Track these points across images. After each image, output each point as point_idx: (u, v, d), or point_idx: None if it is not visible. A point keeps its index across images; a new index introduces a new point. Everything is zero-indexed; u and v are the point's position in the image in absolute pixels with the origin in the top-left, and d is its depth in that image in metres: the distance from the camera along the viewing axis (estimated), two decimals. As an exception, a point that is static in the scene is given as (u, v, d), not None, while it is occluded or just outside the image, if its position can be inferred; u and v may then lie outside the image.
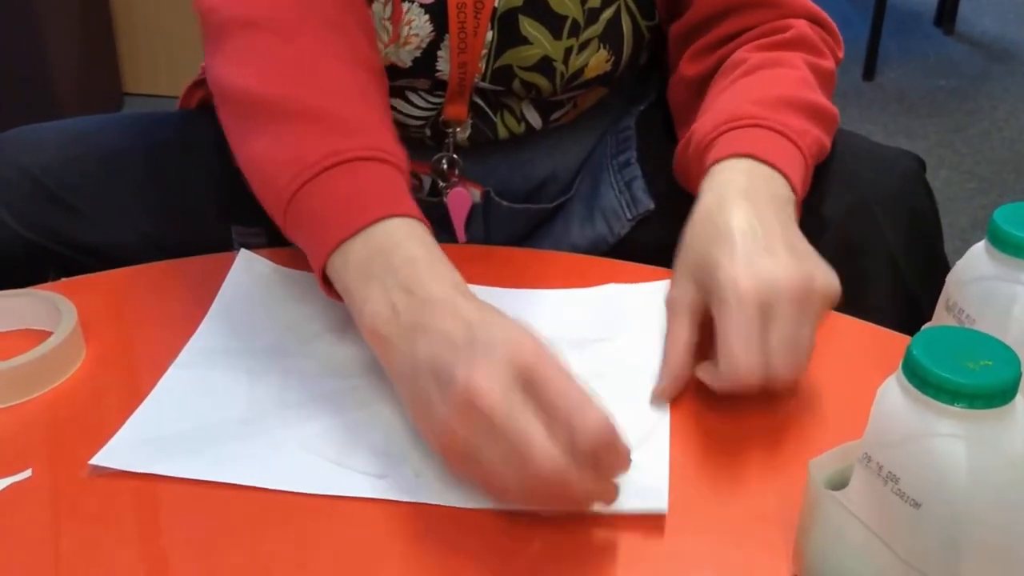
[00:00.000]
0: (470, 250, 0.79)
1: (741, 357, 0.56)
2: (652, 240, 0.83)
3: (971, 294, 0.55)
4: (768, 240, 0.60)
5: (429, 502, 0.54)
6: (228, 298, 0.72)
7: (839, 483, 0.47)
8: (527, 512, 0.53)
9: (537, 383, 0.48)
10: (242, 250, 0.76)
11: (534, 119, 0.85)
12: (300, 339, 0.68)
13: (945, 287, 0.58)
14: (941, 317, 0.58)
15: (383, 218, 0.58)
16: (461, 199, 0.86)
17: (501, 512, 0.54)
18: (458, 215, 0.87)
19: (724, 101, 0.72)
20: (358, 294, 0.57)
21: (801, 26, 0.78)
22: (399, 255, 0.57)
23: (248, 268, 0.75)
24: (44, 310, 0.69)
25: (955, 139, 2.36)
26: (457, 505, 0.54)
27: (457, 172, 0.85)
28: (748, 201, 0.63)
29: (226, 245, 0.79)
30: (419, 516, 0.54)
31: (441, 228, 0.88)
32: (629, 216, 0.84)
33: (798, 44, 0.77)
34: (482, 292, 0.72)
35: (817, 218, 0.75)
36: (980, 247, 0.55)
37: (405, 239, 0.58)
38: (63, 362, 0.65)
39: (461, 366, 0.49)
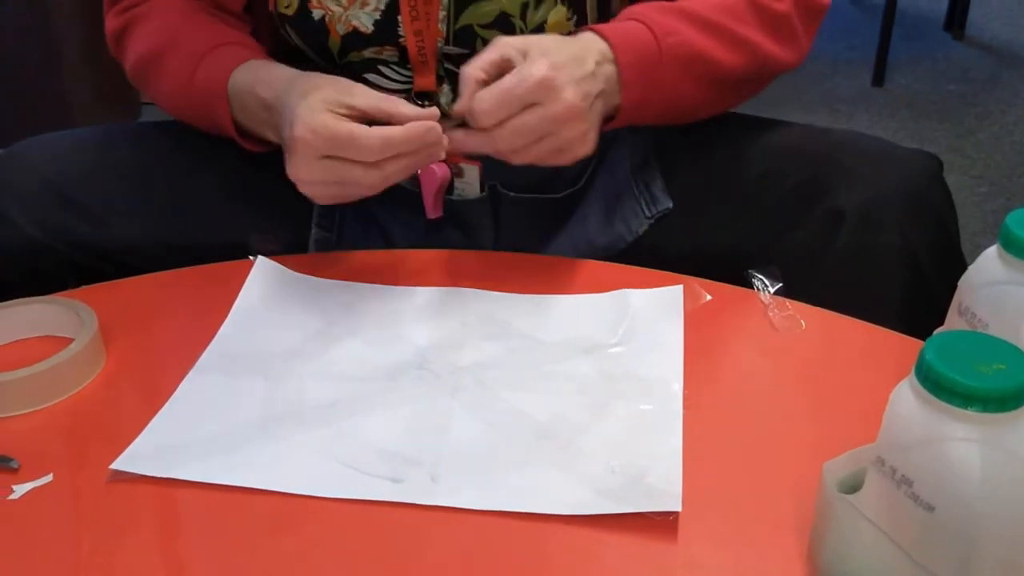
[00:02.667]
0: (486, 257, 0.79)
1: (487, 90, 0.69)
2: (671, 239, 0.84)
3: (983, 298, 0.55)
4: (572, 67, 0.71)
5: (445, 505, 0.55)
6: (246, 305, 0.73)
7: (853, 486, 0.47)
8: (541, 515, 0.54)
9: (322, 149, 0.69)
10: (260, 257, 0.77)
11: None
12: (316, 345, 0.69)
13: (957, 291, 0.58)
14: (954, 321, 0.58)
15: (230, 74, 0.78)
16: (430, 175, 0.87)
17: (516, 514, 0.54)
18: (427, 189, 0.87)
19: (634, 6, 0.79)
20: (258, 129, 0.79)
21: None
22: (255, 91, 0.77)
23: (265, 275, 0.76)
24: (65, 317, 0.70)
25: (965, 144, 2.36)
26: (472, 507, 0.55)
27: None
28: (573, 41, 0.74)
29: (242, 252, 0.80)
30: (435, 519, 0.54)
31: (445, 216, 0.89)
32: (648, 215, 0.85)
33: None
34: (498, 297, 0.73)
35: (835, 215, 0.75)
36: (992, 252, 0.56)
37: (248, 78, 0.78)
38: (84, 368, 0.66)
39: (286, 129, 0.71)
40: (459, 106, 0.71)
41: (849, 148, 0.79)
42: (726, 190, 0.83)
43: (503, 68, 0.70)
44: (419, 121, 0.69)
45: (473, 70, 0.71)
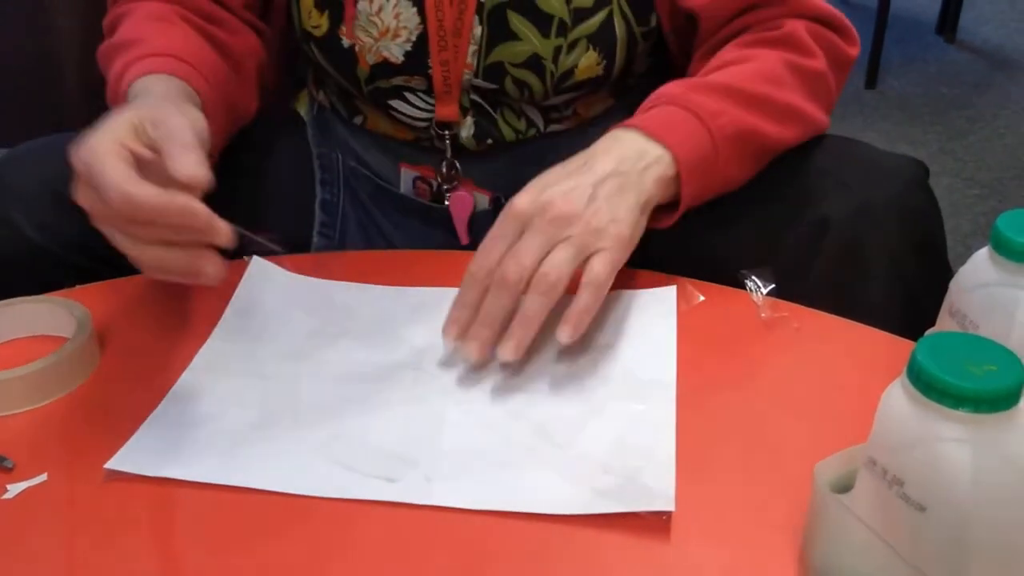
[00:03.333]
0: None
1: (478, 254, 0.65)
2: (661, 239, 0.84)
3: (974, 300, 0.56)
4: (574, 172, 0.67)
5: (439, 505, 0.55)
6: (241, 304, 0.73)
7: (844, 487, 0.48)
8: (536, 515, 0.54)
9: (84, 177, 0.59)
10: (255, 257, 0.77)
11: (536, 117, 0.86)
12: (312, 345, 0.69)
13: (948, 293, 0.58)
14: (945, 323, 0.59)
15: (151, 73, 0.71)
16: (463, 202, 0.87)
17: (510, 514, 0.54)
18: (460, 217, 0.88)
19: (668, 84, 0.74)
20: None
21: (794, 26, 0.79)
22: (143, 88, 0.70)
23: (261, 275, 0.76)
24: (60, 316, 0.70)
25: (957, 146, 2.37)
26: (467, 507, 0.55)
27: (456, 174, 0.87)
28: (589, 153, 0.69)
29: (238, 251, 0.80)
30: (430, 519, 0.54)
31: (448, 231, 0.89)
32: None
33: (782, 43, 0.78)
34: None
35: (821, 223, 0.76)
36: (983, 253, 0.56)
37: (148, 85, 0.71)
38: (78, 368, 0.66)
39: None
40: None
41: (837, 155, 0.80)
42: (715, 195, 0.83)
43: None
44: (181, 195, 0.55)
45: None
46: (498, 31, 0.80)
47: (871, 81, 2.66)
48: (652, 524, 0.53)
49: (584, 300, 0.63)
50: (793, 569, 0.51)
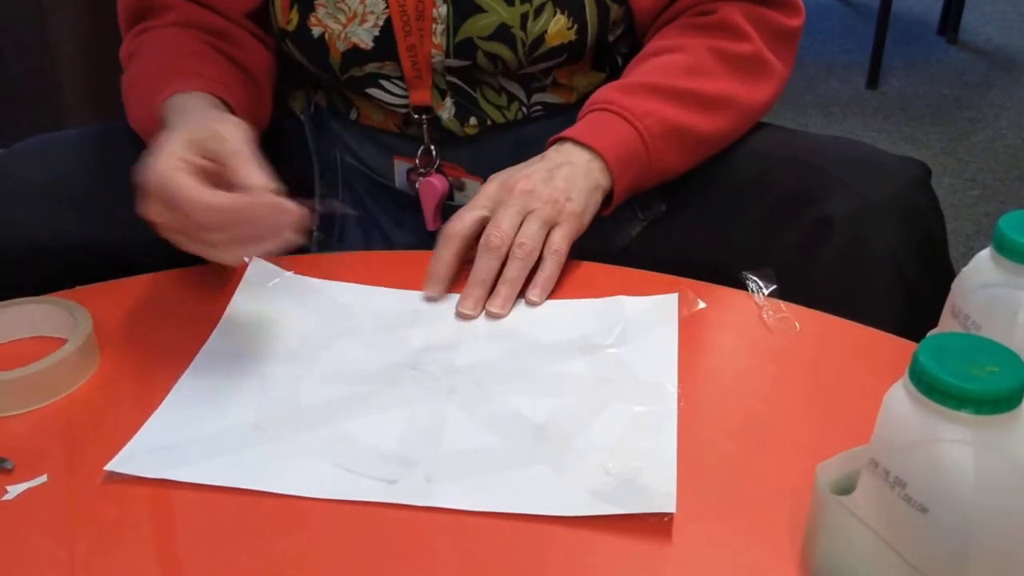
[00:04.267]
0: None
1: (453, 220, 0.74)
2: (664, 241, 0.84)
3: (977, 301, 0.56)
4: (531, 163, 0.78)
5: (439, 506, 0.55)
6: (241, 305, 0.73)
7: (846, 488, 0.48)
8: (537, 516, 0.54)
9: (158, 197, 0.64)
10: (255, 258, 0.76)
11: (516, 90, 0.87)
12: (312, 345, 0.69)
13: (951, 294, 0.58)
14: (947, 324, 0.58)
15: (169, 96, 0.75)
16: (431, 188, 0.88)
17: (510, 515, 0.54)
18: (427, 203, 0.88)
19: (602, 88, 0.82)
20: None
21: (728, 10, 0.82)
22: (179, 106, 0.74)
23: (260, 275, 0.76)
24: (59, 317, 0.69)
25: (958, 147, 2.37)
26: (467, 509, 0.55)
27: (433, 159, 0.88)
28: (541, 156, 0.79)
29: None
30: (430, 520, 0.54)
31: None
32: (641, 217, 0.85)
33: (713, 28, 0.82)
34: (491, 300, 0.73)
35: (823, 224, 0.76)
36: (985, 254, 0.56)
37: (191, 100, 0.75)
38: (78, 369, 0.66)
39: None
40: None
41: (839, 156, 0.80)
42: (718, 194, 0.83)
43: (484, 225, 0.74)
44: (251, 196, 0.61)
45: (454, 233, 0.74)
46: (463, 6, 0.80)
47: (872, 82, 2.66)
48: (653, 525, 0.53)
49: (549, 268, 0.73)
50: (794, 571, 0.51)
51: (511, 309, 0.72)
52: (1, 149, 0.86)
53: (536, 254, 0.73)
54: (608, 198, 0.79)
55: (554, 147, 0.79)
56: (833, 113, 2.53)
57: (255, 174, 0.62)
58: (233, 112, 0.77)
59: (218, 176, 0.64)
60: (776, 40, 0.84)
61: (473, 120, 0.87)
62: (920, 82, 2.71)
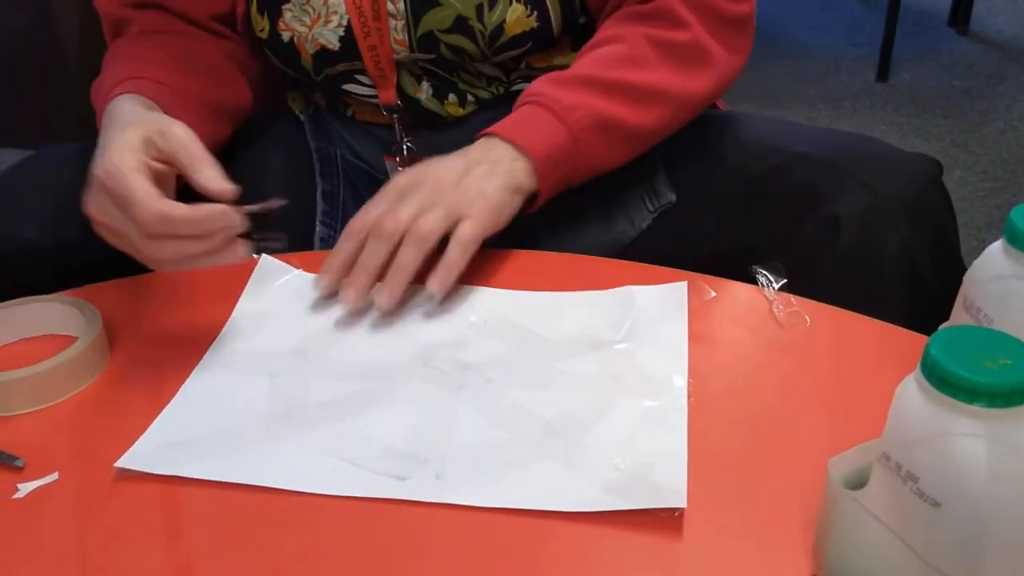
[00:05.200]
0: (489, 252, 0.79)
1: (358, 214, 0.71)
2: (673, 231, 0.84)
3: (989, 293, 0.55)
4: (450, 158, 0.75)
5: (450, 502, 0.55)
6: (249, 303, 0.73)
7: (858, 482, 0.47)
8: (547, 512, 0.54)
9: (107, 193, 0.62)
10: (263, 256, 0.77)
11: (494, 72, 0.86)
12: (321, 343, 0.69)
13: (963, 286, 0.58)
14: (959, 316, 0.58)
15: (114, 98, 0.74)
16: None
17: (521, 512, 0.54)
18: None
19: (537, 79, 0.80)
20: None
21: None
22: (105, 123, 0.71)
23: (269, 273, 0.76)
24: (69, 316, 0.70)
25: (970, 139, 2.35)
26: (478, 505, 0.55)
27: (412, 155, 0.89)
28: (463, 151, 0.76)
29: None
30: (440, 517, 0.54)
31: None
32: (651, 209, 0.85)
33: (650, 17, 0.80)
34: (502, 294, 0.73)
35: (834, 220, 0.75)
36: (997, 246, 0.55)
37: (124, 102, 0.73)
38: (88, 367, 0.66)
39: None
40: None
41: (850, 152, 0.79)
42: (729, 188, 0.83)
43: None
44: (207, 205, 0.61)
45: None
46: (420, 1, 0.80)
47: (883, 74, 2.65)
48: (664, 521, 0.53)
49: (451, 256, 0.69)
50: (806, 566, 0.50)
51: (395, 302, 0.68)
52: (14, 151, 0.87)
53: (432, 240, 0.69)
54: (533, 197, 0.76)
55: (480, 142, 0.76)
56: (843, 106, 2.52)
57: (212, 179, 0.62)
58: (165, 108, 0.75)
59: (164, 178, 0.64)
60: (721, 27, 0.81)
61: (452, 97, 0.87)
62: (931, 74, 2.70)
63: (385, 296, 0.68)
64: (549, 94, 0.76)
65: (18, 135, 2.19)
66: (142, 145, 0.63)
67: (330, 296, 0.73)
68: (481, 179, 0.72)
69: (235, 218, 0.62)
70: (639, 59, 0.78)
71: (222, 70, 0.87)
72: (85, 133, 0.81)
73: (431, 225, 0.69)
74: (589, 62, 0.79)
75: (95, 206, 0.63)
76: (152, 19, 0.86)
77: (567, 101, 0.76)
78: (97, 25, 0.90)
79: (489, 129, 0.76)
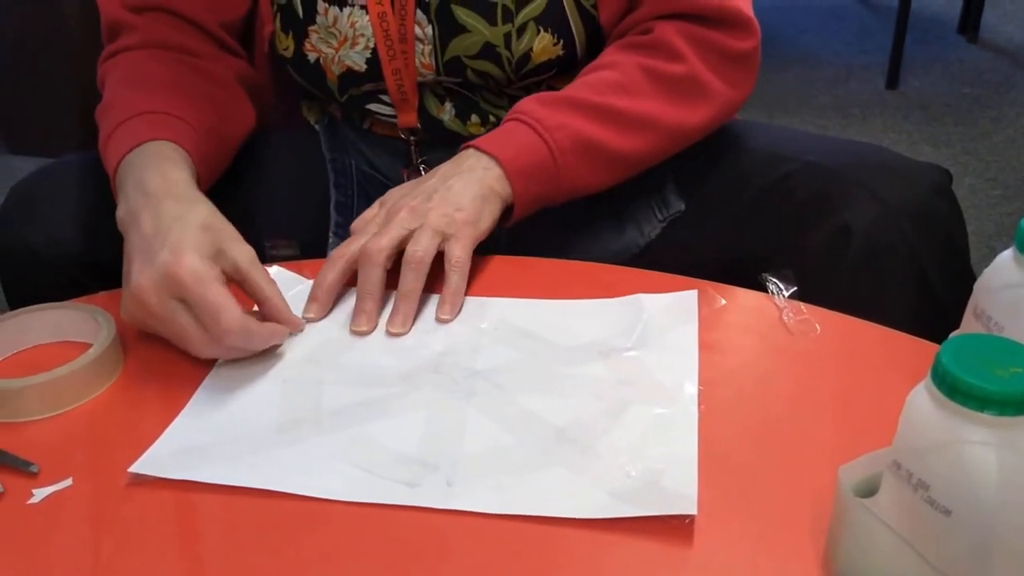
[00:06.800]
0: (499, 260, 0.80)
1: (339, 247, 0.73)
2: (682, 241, 0.84)
3: (999, 301, 0.55)
4: (418, 183, 0.76)
5: (460, 509, 0.55)
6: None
7: (868, 490, 0.47)
8: (558, 519, 0.54)
9: (183, 292, 0.64)
10: (276, 266, 0.77)
11: (516, 92, 0.87)
12: (332, 350, 0.69)
13: (973, 294, 0.58)
14: (969, 324, 0.58)
15: (139, 144, 0.73)
16: None
17: (531, 518, 0.54)
18: None
19: (524, 99, 0.80)
20: (118, 194, 0.71)
21: (664, 30, 0.80)
22: (140, 164, 0.72)
23: (282, 283, 0.76)
24: (83, 322, 0.70)
25: (980, 147, 2.35)
26: (488, 511, 0.55)
27: (422, 174, 0.88)
28: (434, 171, 0.77)
29: (259, 257, 0.80)
30: (450, 523, 0.54)
31: None
32: (660, 218, 0.85)
33: (646, 48, 0.80)
34: (513, 302, 0.74)
35: (843, 229, 0.75)
36: (1008, 255, 0.55)
37: (151, 153, 0.73)
38: (102, 373, 0.67)
39: (136, 266, 0.65)
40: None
41: (860, 162, 0.79)
42: (738, 197, 0.83)
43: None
44: (275, 326, 0.67)
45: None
46: (448, 27, 0.81)
47: (892, 82, 2.64)
48: (674, 528, 0.53)
49: (454, 281, 0.72)
50: (816, 574, 0.50)
51: (411, 326, 0.70)
52: (29, 157, 0.88)
53: (428, 262, 0.71)
54: (510, 210, 0.77)
55: (455, 157, 0.77)
56: (852, 114, 2.51)
57: (291, 321, 0.68)
58: (192, 153, 0.75)
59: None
60: (723, 63, 0.81)
61: (475, 118, 0.87)
62: (940, 82, 2.69)
63: (399, 322, 0.70)
64: (533, 113, 0.77)
65: (25, 136, 2.21)
66: (215, 255, 0.66)
67: (334, 310, 0.73)
68: (454, 193, 0.73)
69: (286, 336, 0.68)
70: (630, 86, 0.79)
71: (231, 96, 0.87)
72: (88, 134, 0.81)
73: (423, 251, 0.71)
74: (580, 85, 0.79)
75: (153, 295, 0.64)
76: (157, 28, 0.85)
77: (550, 121, 0.76)
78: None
79: (467, 143, 0.77)
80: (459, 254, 0.72)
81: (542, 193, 0.77)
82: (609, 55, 0.81)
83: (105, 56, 0.87)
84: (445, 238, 0.72)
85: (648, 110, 0.78)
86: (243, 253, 0.67)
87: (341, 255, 0.73)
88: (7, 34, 2.15)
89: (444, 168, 0.76)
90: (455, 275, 0.72)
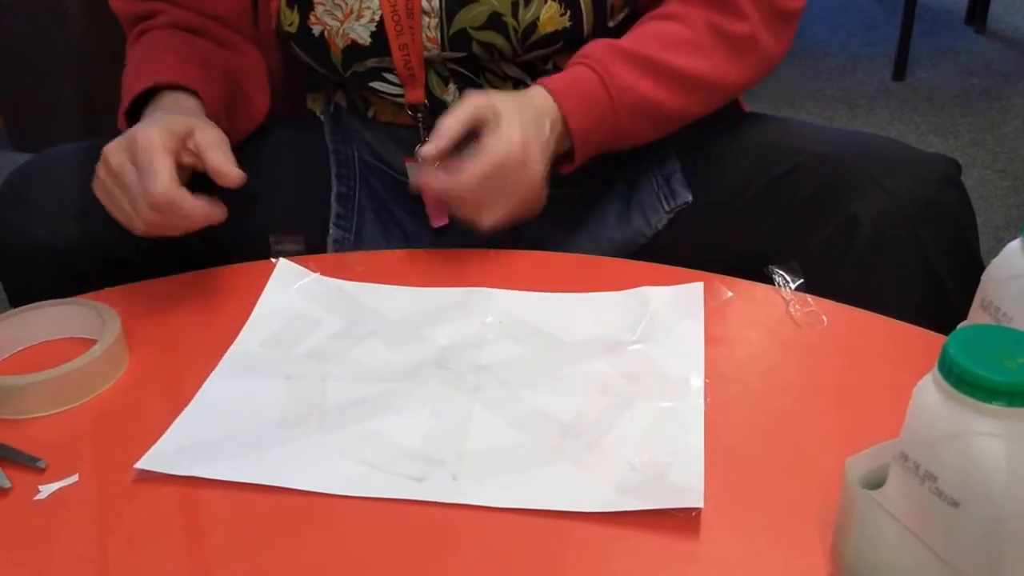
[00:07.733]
0: (505, 255, 0.80)
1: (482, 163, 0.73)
2: (689, 232, 0.84)
3: (1007, 292, 0.55)
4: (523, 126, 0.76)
5: (466, 503, 0.55)
6: (267, 306, 0.73)
7: (875, 482, 0.47)
8: (564, 513, 0.54)
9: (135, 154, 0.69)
10: (281, 259, 0.77)
11: (517, 74, 0.87)
12: (338, 345, 0.69)
13: (981, 285, 0.58)
14: (977, 315, 0.58)
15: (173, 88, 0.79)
16: None
17: (537, 512, 0.54)
18: (428, 197, 0.87)
19: (598, 43, 0.81)
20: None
21: None
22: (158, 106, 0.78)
23: (287, 276, 0.76)
24: (89, 319, 0.70)
25: (988, 137, 2.33)
26: (494, 505, 0.55)
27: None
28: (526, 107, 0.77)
29: (263, 253, 0.80)
30: (456, 517, 0.54)
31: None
32: (667, 209, 0.85)
33: (713, 2, 0.81)
34: (518, 296, 0.74)
35: (851, 220, 0.75)
36: (1016, 245, 0.55)
37: (186, 97, 0.79)
38: (108, 369, 0.67)
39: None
40: (426, 150, 0.74)
41: (868, 153, 0.79)
42: (745, 188, 0.83)
43: (477, 123, 0.74)
44: (205, 204, 0.69)
45: (449, 126, 0.74)
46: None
47: (900, 73, 2.63)
48: (681, 521, 0.53)
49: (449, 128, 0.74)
50: (823, 566, 0.50)
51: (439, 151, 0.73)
52: (27, 155, 0.88)
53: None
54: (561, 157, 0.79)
55: (537, 99, 0.78)
56: (860, 105, 2.50)
57: (225, 164, 0.70)
58: (207, 106, 0.79)
59: (182, 169, 0.71)
60: (775, 19, 0.82)
61: None
62: (948, 72, 2.68)
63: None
64: (607, 67, 0.78)
65: (30, 133, 2.21)
66: (184, 136, 0.70)
67: (340, 305, 0.73)
68: (536, 166, 0.75)
69: (222, 218, 0.71)
70: (698, 45, 0.80)
71: (247, 72, 0.88)
72: (90, 124, 0.82)
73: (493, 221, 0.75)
74: (652, 38, 0.80)
75: (115, 156, 0.69)
76: (176, 13, 0.87)
77: (621, 80, 0.78)
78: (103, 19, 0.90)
79: (541, 81, 0.78)
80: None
81: (594, 150, 0.80)
82: (673, 4, 0.82)
83: (134, 36, 0.89)
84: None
85: (709, 72, 0.80)
86: (205, 129, 0.71)
87: (480, 172, 0.74)
88: (11, 32, 2.15)
89: (528, 112, 0.76)
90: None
